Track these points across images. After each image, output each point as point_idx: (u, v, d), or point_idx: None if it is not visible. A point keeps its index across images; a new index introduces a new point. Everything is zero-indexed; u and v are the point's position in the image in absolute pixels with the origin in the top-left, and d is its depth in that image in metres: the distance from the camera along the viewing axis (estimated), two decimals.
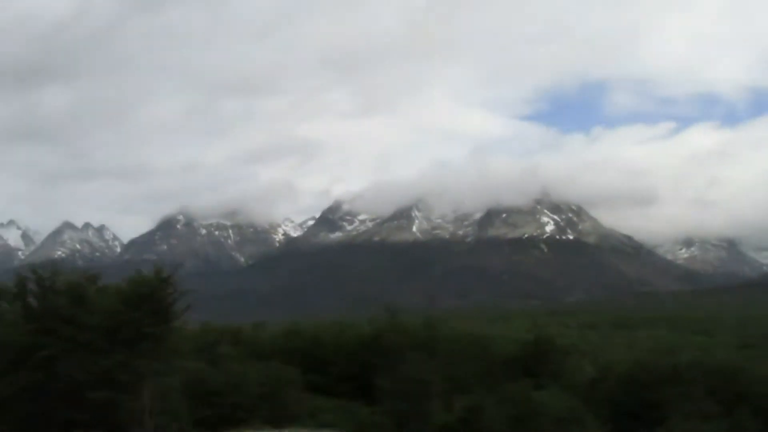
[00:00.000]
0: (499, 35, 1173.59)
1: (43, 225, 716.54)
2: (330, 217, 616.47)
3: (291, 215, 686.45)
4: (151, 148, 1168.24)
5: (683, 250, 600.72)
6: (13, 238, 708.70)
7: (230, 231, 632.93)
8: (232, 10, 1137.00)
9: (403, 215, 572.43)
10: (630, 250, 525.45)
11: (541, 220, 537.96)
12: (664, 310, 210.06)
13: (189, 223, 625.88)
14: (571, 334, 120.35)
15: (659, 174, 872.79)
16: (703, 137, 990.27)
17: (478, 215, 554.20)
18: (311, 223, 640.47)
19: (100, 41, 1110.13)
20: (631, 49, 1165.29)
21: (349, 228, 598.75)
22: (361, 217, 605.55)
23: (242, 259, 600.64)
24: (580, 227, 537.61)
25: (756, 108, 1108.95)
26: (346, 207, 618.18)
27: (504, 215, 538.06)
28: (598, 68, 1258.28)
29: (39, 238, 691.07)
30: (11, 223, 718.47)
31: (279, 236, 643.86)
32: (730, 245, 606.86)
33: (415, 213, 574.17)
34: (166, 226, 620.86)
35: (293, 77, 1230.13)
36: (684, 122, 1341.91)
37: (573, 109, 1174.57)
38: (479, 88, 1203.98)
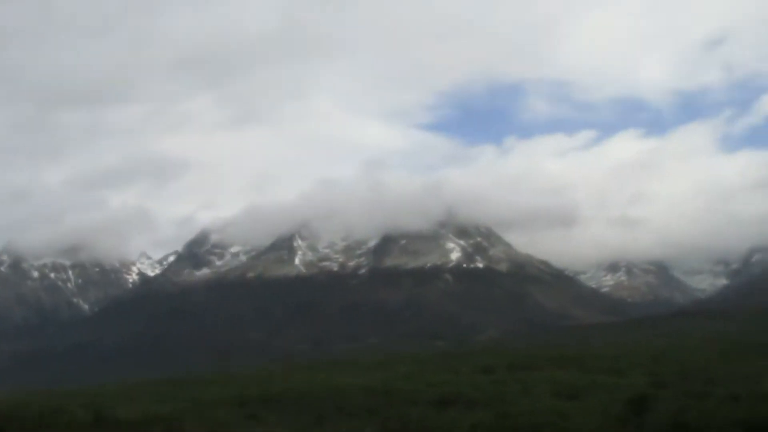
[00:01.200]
0: (394, 32, 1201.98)
1: None
2: (195, 251, 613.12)
3: (148, 250, 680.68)
4: None
5: (608, 277, 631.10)
6: None
7: (70, 272, 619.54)
8: (67, 3, 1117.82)
9: (283, 246, 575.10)
10: (548, 278, 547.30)
11: (446, 247, 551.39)
12: (580, 346, 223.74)
13: (16, 264, 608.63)
14: (458, 381, 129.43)
15: (580, 190, 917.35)
16: (626, 147, 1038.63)
17: (372, 243, 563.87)
18: (172, 258, 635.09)
19: None
20: (547, 48, 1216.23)
21: (218, 263, 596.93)
22: (233, 250, 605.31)
23: (86, 307, 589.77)
24: (490, 253, 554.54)
25: (684, 113, 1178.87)
26: (214, 238, 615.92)
27: (403, 242, 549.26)
28: (509, 70, 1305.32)
29: None
30: None
31: (133, 276, 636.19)
32: (660, 269, 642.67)
33: (298, 242, 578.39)
34: None
35: (146, 83, 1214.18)
36: (606, 131, 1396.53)
37: (482, 116, 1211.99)
38: (373, 93, 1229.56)
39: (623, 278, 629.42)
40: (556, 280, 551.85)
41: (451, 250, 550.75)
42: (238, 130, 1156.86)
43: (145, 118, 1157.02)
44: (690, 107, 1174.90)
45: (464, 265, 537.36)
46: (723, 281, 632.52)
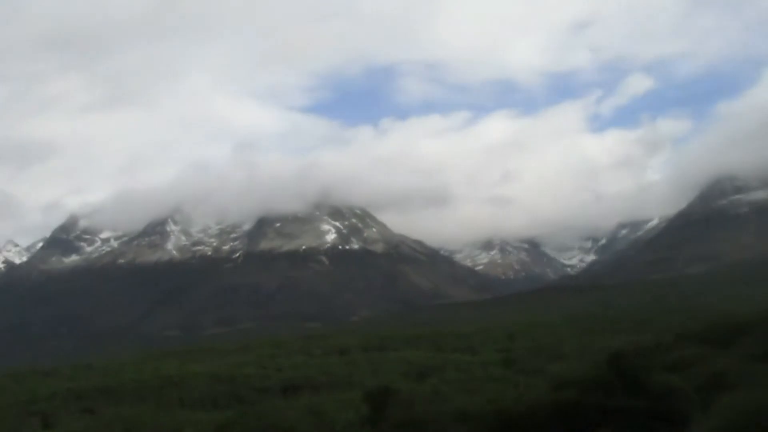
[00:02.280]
0: (271, 13, 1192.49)
1: None
2: (64, 237, 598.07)
3: (15, 237, 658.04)
4: None
5: (482, 255, 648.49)
6: None
7: None
8: None
9: (155, 230, 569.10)
10: (423, 257, 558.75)
11: (321, 229, 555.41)
12: (446, 324, 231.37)
13: None
14: (310, 364, 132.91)
15: (454, 170, 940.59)
16: (499, 128, 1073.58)
17: (247, 226, 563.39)
18: (41, 245, 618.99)
19: None
20: (422, 29, 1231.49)
21: (88, 249, 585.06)
22: (103, 235, 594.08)
23: None
24: (365, 234, 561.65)
25: (554, 94, 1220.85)
26: (83, 223, 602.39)
27: (278, 225, 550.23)
28: (386, 52, 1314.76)
29: None
30: None
31: None
32: (532, 246, 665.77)
33: (171, 227, 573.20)
34: None
35: (9, 62, 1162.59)
36: (480, 111, 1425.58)
37: (358, 98, 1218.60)
38: (249, 74, 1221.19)
39: (497, 256, 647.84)
40: (430, 259, 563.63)
41: (326, 232, 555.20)
42: (109, 112, 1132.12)
43: (8, 99, 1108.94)
44: (560, 88, 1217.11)
45: (339, 247, 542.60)
46: (592, 257, 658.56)
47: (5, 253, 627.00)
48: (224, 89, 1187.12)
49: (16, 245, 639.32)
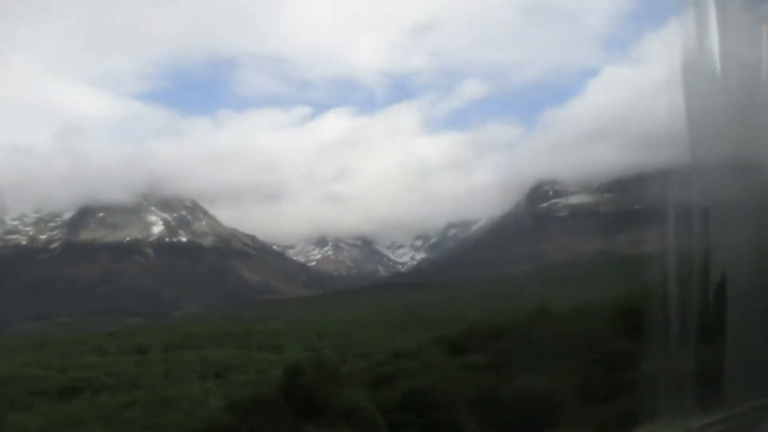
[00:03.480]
0: None
1: None
2: None
3: None
4: None
5: (316, 251, 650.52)
6: None
7: None
8: None
9: None
10: (254, 252, 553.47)
11: (148, 220, 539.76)
12: (264, 320, 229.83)
13: None
14: (101, 363, 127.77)
15: (290, 166, 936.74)
16: (338, 124, 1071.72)
17: (68, 215, 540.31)
18: None
19: None
20: (266, 23, 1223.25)
21: None
22: None
23: None
24: (195, 227, 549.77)
25: (393, 94, 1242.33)
26: None
27: (101, 214, 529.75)
28: (228, 42, 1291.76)
29: None
30: None
31: None
32: (365, 243, 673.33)
33: None
34: None
35: None
36: (320, 108, 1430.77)
37: (197, 88, 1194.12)
38: (80, 57, 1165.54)
39: (330, 252, 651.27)
40: (261, 254, 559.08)
41: (153, 224, 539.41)
42: None
43: None
44: (398, 89, 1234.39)
45: (167, 239, 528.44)
46: (422, 255, 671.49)
47: None
48: (53, 72, 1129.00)
49: None
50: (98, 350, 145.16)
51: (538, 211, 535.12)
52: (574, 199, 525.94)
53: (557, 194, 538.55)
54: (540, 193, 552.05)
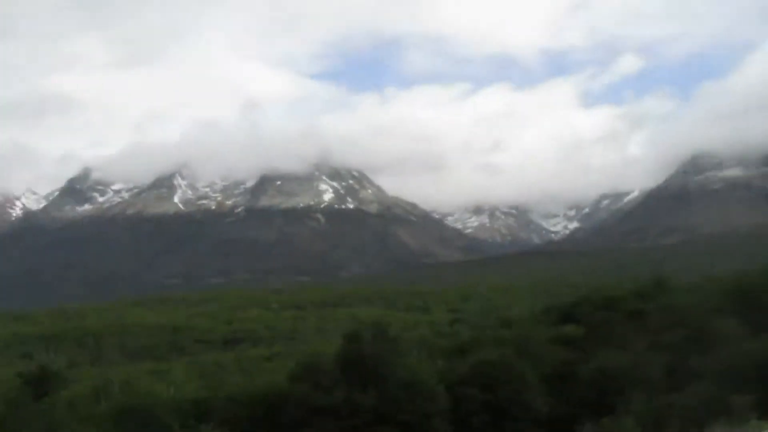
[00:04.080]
0: None
1: None
2: (78, 187, 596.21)
3: (33, 185, 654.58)
4: None
5: (473, 219, 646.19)
6: None
7: None
8: None
9: (164, 184, 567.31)
10: (414, 219, 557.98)
11: (319, 188, 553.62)
12: (418, 282, 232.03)
13: None
14: (260, 318, 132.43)
15: (450, 138, 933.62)
16: (496, 99, 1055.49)
17: (250, 183, 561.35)
18: (57, 194, 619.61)
19: None
20: (428, 5, 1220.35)
21: (101, 199, 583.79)
22: (115, 187, 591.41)
23: None
24: (361, 195, 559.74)
25: (550, 70, 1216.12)
26: (97, 175, 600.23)
27: (278, 183, 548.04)
28: (393, 24, 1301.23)
29: None
30: None
31: (16, 211, 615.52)
32: (520, 213, 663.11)
33: (179, 181, 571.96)
34: None
35: (32, 20, 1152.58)
36: (480, 83, 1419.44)
37: (366, 67, 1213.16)
38: (261, 39, 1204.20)
39: (486, 221, 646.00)
40: (421, 221, 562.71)
41: (324, 192, 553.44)
42: (126, 71, 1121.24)
43: (29, 55, 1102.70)
44: (555, 65, 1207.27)
45: (335, 206, 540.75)
46: (575, 224, 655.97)
47: (24, 200, 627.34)
48: (236, 53, 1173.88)
49: (35, 193, 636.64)
50: (263, 305, 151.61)
51: (691, 184, 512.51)
52: (728, 173, 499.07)
53: (714, 167, 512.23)
54: (694, 166, 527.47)
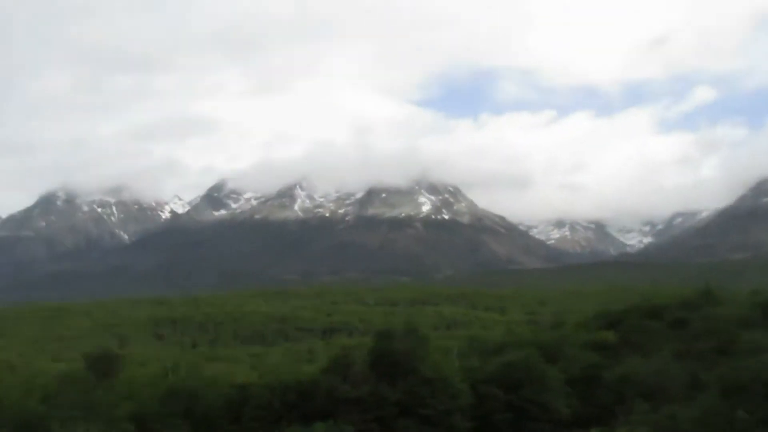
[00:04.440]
0: (391, 21, 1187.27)
1: None
2: (215, 195, 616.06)
3: (180, 192, 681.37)
4: (36, 122, 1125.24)
5: (555, 231, 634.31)
6: None
7: (114, 208, 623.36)
8: None
9: (286, 194, 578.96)
10: (502, 230, 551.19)
11: (419, 201, 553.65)
12: (500, 285, 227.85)
13: (70, 200, 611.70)
14: (357, 311, 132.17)
15: (536, 159, 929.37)
16: (578, 125, 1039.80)
17: (359, 195, 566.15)
18: (198, 200, 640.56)
19: None
20: (520, 40, 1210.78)
21: (234, 206, 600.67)
22: (246, 196, 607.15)
23: (125, 237, 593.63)
24: (455, 207, 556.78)
25: (628, 99, 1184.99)
26: (231, 185, 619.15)
27: (384, 195, 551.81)
28: (487, 57, 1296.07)
29: None
30: None
31: (165, 214, 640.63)
32: (598, 227, 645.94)
33: (299, 192, 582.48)
34: (46, 202, 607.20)
35: (185, 54, 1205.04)
36: (564, 111, 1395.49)
37: (463, 95, 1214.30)
38: (372, 71, 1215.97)
39: (567, 233, 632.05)
40: (508, 232, 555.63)
41: (422, 204, 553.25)
42: (258, 98, 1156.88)
43: (182, 84, 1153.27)
44: (633, 95, 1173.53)
45: (432, 216, 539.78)
46: (649, 239, 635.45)
47: (172, 205, 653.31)
48: (351, 83, 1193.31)
49: (180, 199, 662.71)
50: (361, 300, 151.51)
51: (760, 205, 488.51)
52: None
53: None
54: (762, 189, 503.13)
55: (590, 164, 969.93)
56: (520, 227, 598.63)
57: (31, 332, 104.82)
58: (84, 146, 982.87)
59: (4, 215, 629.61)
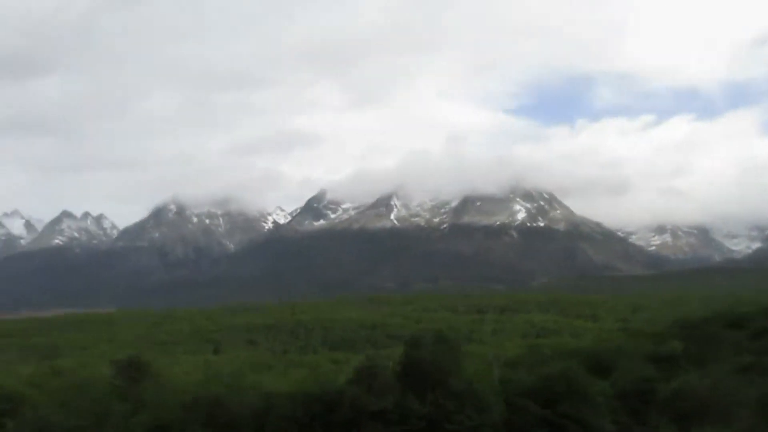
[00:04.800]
0: (484, 29, 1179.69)
1: (45, 214, 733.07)
2: (315, 206, 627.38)
3: (282, 204, 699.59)
4: (147, 139, 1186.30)
5: (655, 237, 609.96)
6: (16, 227, 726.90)
7: (221, 219, 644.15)
8: (216, 3, 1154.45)
9: (382, 203, 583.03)
10: (599, 236, 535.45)
11: (513, 208, 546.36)
12: (605, 292, 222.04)
13: (180, 212, 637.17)
14: (445, 319, 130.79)
15: (635, 164, 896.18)
16: (679, 129, 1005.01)
17: (454, 203, 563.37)
18: (298, 211, 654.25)
19: (89, 35, 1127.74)
20: (614, 45, 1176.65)
21: (332, 216, 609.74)
22: (344, 206, 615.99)
23: (231, 246, 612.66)
24: (551, 215, 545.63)
25: (731, 101, 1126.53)
26: (330, 196, 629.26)
27: (479, 203, 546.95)
28: (582, 63, 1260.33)
29: (41, 227, 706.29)
30: (15, 212, 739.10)
31: (268, 224, 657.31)
32: (701, 232, 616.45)
33: (395, 201, 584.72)
34: (158, 214, 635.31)
35: (283, 71, 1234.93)
36: (663, 115, 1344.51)
37: (558, 102, 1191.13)
38: (465, 81, 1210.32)
39: (668, 239, 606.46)
40: (606, 238, 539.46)
41: (517, 211, 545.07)
42: (354, 111, 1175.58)
43: (281, 100, 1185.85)
44: (736, 96, 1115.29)
45: (527, 224, 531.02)
46: (758, 244, 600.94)
47: (274, 216, 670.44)
48: (444, 93, 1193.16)
49: (282, 210, 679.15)
50: (451, 308, 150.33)
51: None
52: None
53: None
54: None
55: (692, 168, 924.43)
56: (619, 234, 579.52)
57: (132, 337, 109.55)
58: (192, 161, 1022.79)
59: (120, 227, 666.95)
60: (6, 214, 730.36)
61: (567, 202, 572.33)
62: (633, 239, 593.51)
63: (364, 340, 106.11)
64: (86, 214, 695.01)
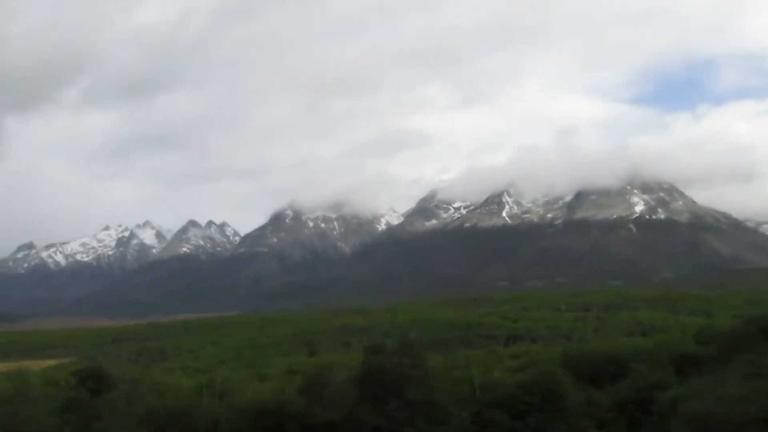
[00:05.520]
0: (595, 18, 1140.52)
1: (174, 224, 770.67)
2: (426, 206, 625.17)
3: (394, 205, 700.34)
4: (265, 148, 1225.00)
5: None
6: (148, 237, 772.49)
7: (335, 223, 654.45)
8: (322, 11, 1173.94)
9: (494, 201, 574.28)
10: (725, 227, 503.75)
11: (631, 201, 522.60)
12: (730, 286, 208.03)
13: (297, 217, 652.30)
14: (546, 318, 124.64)
15: (763, 150, 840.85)
16: None
17: (567, 198, 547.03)
18: (410, 212, 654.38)
19: (206, 51, 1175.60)
20: (737, 25, 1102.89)
21: (444, 216, 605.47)
22: (456, 205, 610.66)
23: (347, 249, 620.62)
24: (672, 206, 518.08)
25: None
26: (441, 195, 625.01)
27: (593, 197, 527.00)
28: (700, 47, 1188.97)
29: (170, 236, 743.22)
30: (147, 223, 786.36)
31: (381, 226, 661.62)
32: None
33: (506, 198, 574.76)
34: (276, 220, 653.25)
35: (392, 74, 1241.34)
36: None
37: (678, 88, 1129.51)
38: (578, 73, 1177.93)
39: None
40: (733, 229, 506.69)
41: (635, 204, 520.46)
42: (463, 110, 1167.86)
43: (390, 101, 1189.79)
44: None
45: (646, 217, 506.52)
46: None
47: (387, 217, 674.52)
48: (553, 87, 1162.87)
49: (395, 211, 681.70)
50: (554, 306, 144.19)
51: None
52: None
53: None
54: None
55: None
56: (747, 224, 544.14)
57: (235, 341, 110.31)
58: (307, 166, 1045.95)
59: (242, 234, 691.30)
60: (139, 226, 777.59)
61: (689, 193, 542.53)
62: (764, 229, 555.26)
63: (458, 341, 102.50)
64: (210, 223, 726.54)
